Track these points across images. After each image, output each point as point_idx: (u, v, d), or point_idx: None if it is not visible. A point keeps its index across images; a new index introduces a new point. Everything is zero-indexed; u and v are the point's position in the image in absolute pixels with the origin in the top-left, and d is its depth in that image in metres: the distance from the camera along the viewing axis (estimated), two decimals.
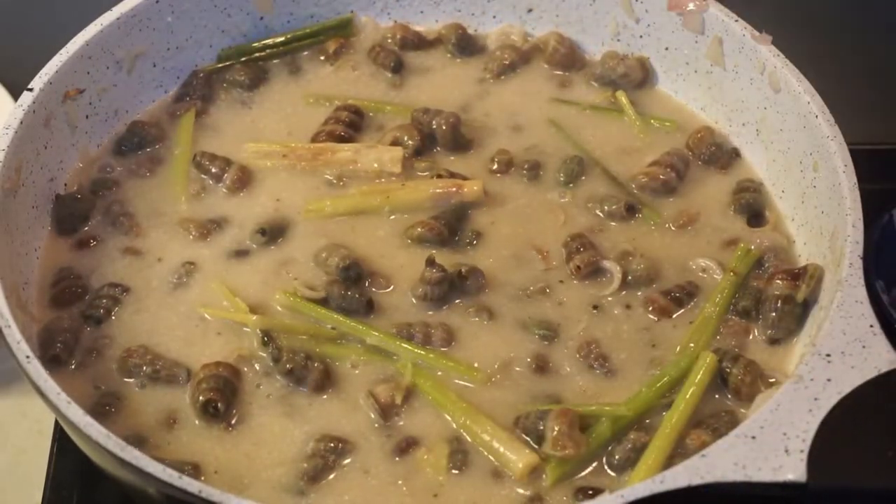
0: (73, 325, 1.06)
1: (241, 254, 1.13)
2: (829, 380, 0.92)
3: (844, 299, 0.98)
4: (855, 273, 1.00)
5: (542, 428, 0.97)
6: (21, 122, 1.10)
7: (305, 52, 1.32)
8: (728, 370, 1.02)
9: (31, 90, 1.12)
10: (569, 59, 1.31)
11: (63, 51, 1.16)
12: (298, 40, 1.32)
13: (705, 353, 1.02)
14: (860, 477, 0.88)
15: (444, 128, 1.21)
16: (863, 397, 0.91)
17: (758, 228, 1.15)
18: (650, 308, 1.08)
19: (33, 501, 1.08)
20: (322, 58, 1.32)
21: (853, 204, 1.05)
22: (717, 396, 1.02)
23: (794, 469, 0.87)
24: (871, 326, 0.96)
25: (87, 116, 1.19)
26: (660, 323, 1.08)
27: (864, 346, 0.95)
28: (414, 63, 1.32)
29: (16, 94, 1.29)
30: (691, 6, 1.24)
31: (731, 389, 1.01)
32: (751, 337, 1.07)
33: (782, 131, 1.18)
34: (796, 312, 1.05)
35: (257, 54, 1.30)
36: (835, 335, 0.96)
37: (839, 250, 1.03)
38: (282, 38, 1.31)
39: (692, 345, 1.05)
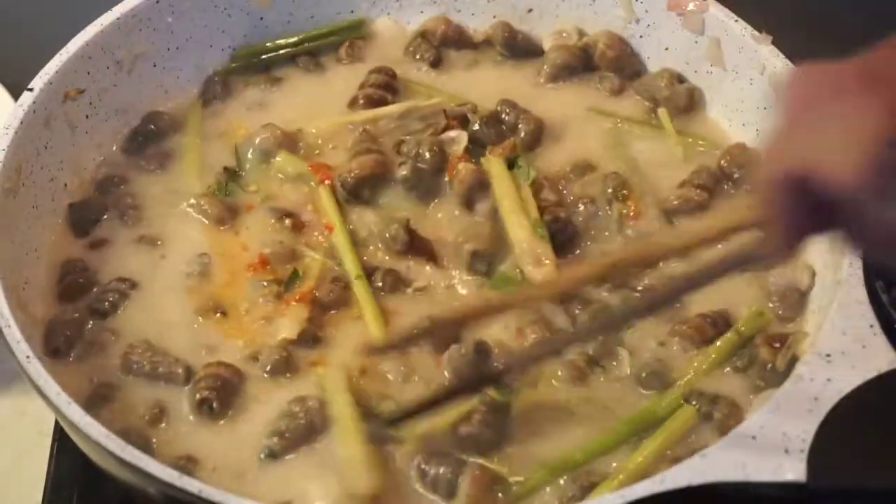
0: (79, 319, 1.07)
1: None
2: (829, 380, 0.92)
3: (844, 299, 0.98)
4: (855, 273, 1.00)
5: (455, 481, 0.94)
6: (21, 122, 1.10)
7: (323, 54, 1.31)
8: (710, 413, 0.99)
9: (31, 90, 1.12)
10: (619, 63, 1.28)
11: (63, 51, 1.16)
12: (313, 40, 1.31)
13: (685, 408, 0.99)
14: (860, 477, 0.88)
15: (530, 126, 1.21)
16: (863, 397, 0.91)
17: (779, 267, 1.09)
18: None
19: (33, 501, 1.07)
20: (340, 58, 1.31)
21: None
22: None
23: (794, 469, 0.87)
24: (871, 326, 0.96)
25: (87, 116, 1.19)
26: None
27: (864, 346, 0.95)
28: (455, 62, 1.31)
29: (16, 94, 1.29)
30: (691, 6, 1.24)
31: (717, 428, 0.99)
32: (738, 382, 1.03)
33: None
34: (778, 375, 1.01)
35: (271, 54, 1.30)
36: (835, 335, 0.96)
37: (839, 250, 1.02)
38: (295, 38, 1.31)
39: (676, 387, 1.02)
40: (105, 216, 1.16)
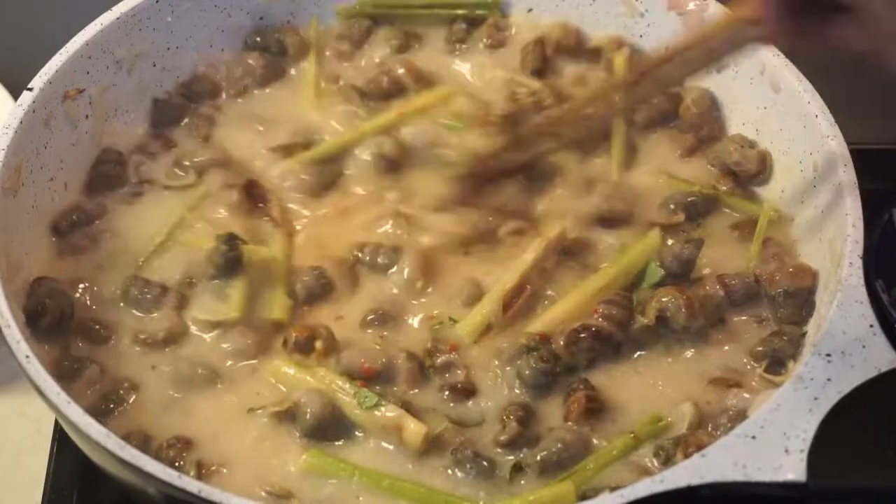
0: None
1: None
2: (829, 380, 0.92)
3: (844, 299, 0.98)
4: (855, 273, 1.00)
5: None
6: (21, 122, 1.10)
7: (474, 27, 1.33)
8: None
9: (31, 90, 1.12)
10: (700, 121, 1.24)
11: (63, 50, 1.16)
12: (443, 7, 1.34)
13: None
14: (860, 476, 0.88)
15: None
16: (863, 397, 0.91)
17: (738, 389, 1.02)
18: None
19: (33, 501, 1.08)
20: (482, 39, 1.32)
21: (853, 204, 1.05)
22: None
23: (794, 469, 0.87)
24: (871, 326, 0.96)
25: (87, 116, 1.19)
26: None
27: (864, 346, 0.95)
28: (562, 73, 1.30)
29: (16, 94, 1.29)
30: (691, 6, 1.24)
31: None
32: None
33: (782, 131, 1.18)
34: None
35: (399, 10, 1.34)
36: (835, 335, 0.96)
37: (839, 250, 1.03)
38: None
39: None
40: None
